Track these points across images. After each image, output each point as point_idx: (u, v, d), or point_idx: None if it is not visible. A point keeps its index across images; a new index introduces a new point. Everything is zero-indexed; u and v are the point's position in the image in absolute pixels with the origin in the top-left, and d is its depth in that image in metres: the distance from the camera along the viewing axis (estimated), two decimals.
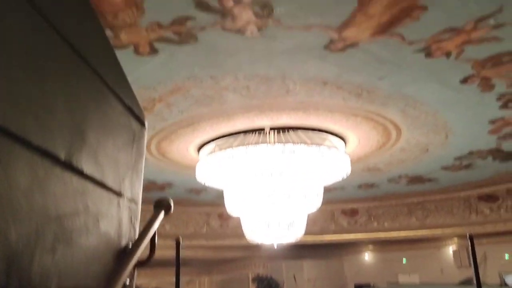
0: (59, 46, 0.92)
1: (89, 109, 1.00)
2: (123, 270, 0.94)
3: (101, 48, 1.19)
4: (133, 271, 1.11)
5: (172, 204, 1.21)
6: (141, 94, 4.00)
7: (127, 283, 1.06)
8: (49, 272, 0.78)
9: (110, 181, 1.04)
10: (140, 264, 1.11)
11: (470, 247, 3.67)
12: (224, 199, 5.60)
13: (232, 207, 5.50)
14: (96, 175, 0.98)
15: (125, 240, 1.10)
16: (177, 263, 3.35)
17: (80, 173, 0.91)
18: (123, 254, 1.04)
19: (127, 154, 1.14)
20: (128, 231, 1.12)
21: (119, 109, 1.13)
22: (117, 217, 1.07)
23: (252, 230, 5.54)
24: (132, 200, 1.17)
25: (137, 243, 1.07)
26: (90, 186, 0.95)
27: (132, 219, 1.15)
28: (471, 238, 3.69)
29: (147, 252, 1.20)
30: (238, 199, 5.33)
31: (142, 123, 1.26)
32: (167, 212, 1.20)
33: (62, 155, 0.84)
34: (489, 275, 9.32)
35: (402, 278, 10.92)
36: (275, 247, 5.93)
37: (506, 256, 9.50)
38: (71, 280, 0.86)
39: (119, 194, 1.09)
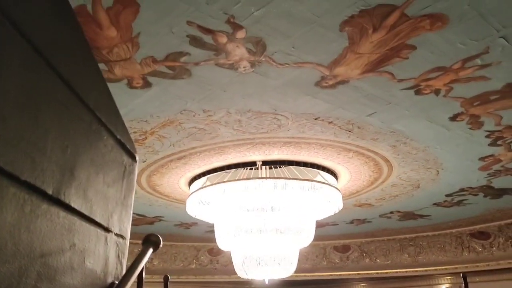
0: (53, 82, 0.93)
1: (80, 144, 0.99)
2: None
3: (95, 83, 1.20)
4: None
5: (161, 241, 1.19)
6: (133, 127, 4.01)
7: None
8: None
9: (98, 217, 1.02)
10: None
11: (463, 286, 3.63)
12: (215, 233, 5.52)
13: (222, 242, 5.42)
14: (84, 210, 0.96)
15: (111, 277, 1.07)
16: None
17: (67, 208, 0.89)
18: None
19: (117, 189, 1.13)
20: (115, 268, 1.09)
21: (110, 143, 1.13)
22: (104, 254, 1.05)
23: (242, 266, 5.43)
24: (120, 236, 1.15)
25: (124, 280, 1.04)
26: (77, 222, 0.94)
27: (120, 256, 1.12)
28: (465, 278, 3.66)
29: None
30: (229, 234, 5.26)
31: (133, 158, 1.25)
32: (155, 248, 1.17)
33: (50, 190, 0.83)
34: None
35: None
36: (266, 283, 5.81)
37: None
38: None
39: (107, 229, 1.07)
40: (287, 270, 5.47)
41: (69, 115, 0.96)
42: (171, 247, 8.92)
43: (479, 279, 9.01)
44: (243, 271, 5.48)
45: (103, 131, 1.09)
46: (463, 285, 3.64)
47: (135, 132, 4.12)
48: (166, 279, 3.05)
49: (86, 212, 0.96)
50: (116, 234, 1.11)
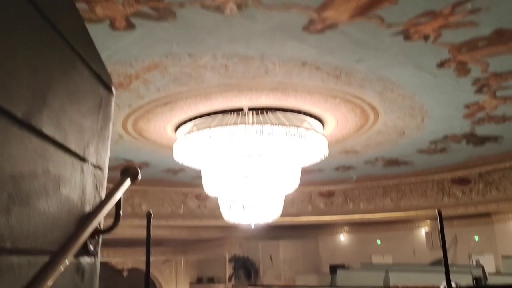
0: (27, 10, 0.89)
1: (54, 72, 0.97)
2: (82, 231, 0.93)
3: (70, 15, 1.16)
4: (98, 238, 1.10)
5: (139, 173, 1.20)
6: (117, 70, 3.93)
7: (91, 249, 1.05)
8: (2, 232, 0.77)
9: (73, 146, 1.02)
10: (104, 231, 1.10)
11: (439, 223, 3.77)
12: (202, 179, 5.60)
13: (209, 187, 5.51)
14: (58, 138, 0.96)
15: (89, 206, 1.08)
16: (148, 238, 3.33)
17: (39, 134, 0.89)
18: (85, 220, 1.03)
19: (92, 120, 1.13)
20: (93, 197, 1.10)
21: (85, 74, 1.11)
22: (81, 183, 1.06)
23: (229, 211, 5.56)
24: (98, 167, 1.15)
25: (99, 207, 1.06)
26: (51, 149, 0.93)
27: (98, 186, 1.14)
28: (440, 213, 3.79)
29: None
30: (216, 180, 5.33)
31: (109, 90, 1.24)
32: (133, 179, 1.18)
33: (20, 114, 0.82)
34: (459, 257, 9.64)
35: (376, 259, 11.18)
36: (252, 227, 5.98)
37: (476, 238, 9.82)
38: (27, 242, 0.85)
39: (83, 159, 1.07)
40: (272, 215, 5.62)
41: (42, 43, 0.93)
42: (159, 192, 9.06)
43: (457, 223, 9.42)
44: (229, 216, 5.62)
45: (77, 60, 1.07)
46: (439, 221, 3.78)
47: (119, 75, 4.04)
48: (148, 215, 3.11)
49: (60, 140, 0.96)
50: (93, 165, 1.12)
